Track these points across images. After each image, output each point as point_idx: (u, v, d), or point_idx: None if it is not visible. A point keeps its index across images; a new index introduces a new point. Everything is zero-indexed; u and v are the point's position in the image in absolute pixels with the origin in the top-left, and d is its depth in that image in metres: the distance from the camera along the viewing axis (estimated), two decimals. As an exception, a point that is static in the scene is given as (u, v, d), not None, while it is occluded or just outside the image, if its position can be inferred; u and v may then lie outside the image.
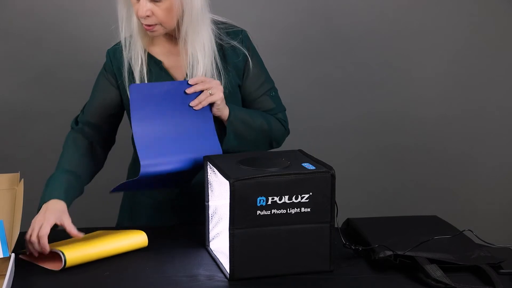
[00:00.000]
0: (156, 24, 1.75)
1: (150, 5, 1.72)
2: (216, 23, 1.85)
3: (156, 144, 1.70)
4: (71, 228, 1.65)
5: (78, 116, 1.92)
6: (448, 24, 2.76)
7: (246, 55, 1.86)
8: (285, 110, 1.96)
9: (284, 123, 1.94)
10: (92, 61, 2.58)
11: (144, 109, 1.69)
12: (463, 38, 2.78)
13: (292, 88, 2.70)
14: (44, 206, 1.67)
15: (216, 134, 1.77)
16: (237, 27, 1.89)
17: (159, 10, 1.73)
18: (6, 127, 2.63)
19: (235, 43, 1.85)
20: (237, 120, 1.80)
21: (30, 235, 1.60)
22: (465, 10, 2.76)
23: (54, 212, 1.65)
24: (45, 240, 1.59)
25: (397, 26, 2.74)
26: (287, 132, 1.96)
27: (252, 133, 1.83)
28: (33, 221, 1.64)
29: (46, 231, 1.60)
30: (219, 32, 1.85)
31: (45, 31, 2.58)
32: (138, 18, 1.76)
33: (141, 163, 1.67)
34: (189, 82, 1.75)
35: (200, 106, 1.74)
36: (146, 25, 1.76)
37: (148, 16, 1.73)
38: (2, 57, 2.58)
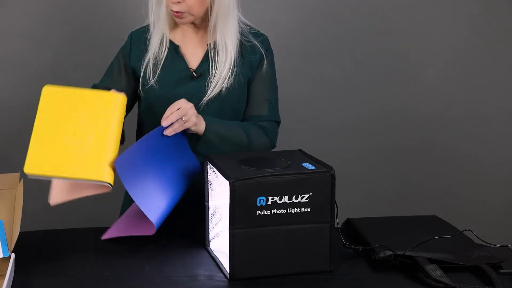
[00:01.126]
0: (184, 12, 1.80)
1: None
2: (242, 22, 1.92)
3: (155, 196, 1.65)
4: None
5: None
6: (448, 24, 2.76)
7: (263, 55, 1.91)
8: (278, 123, 1.96)
9: (270, 134, 1.92)
10: (92, 62, 2.59)
11: (135, 175, 1.62)
12: (463, 38, 2.78)
13: (292, 88, 2.70)
14: None
15: (191, 152, 1.78)
16: (259, 31, 1.95)
17: None
18: (6, 127, 2.63)
19: (255, 42, 1.91)
20: (213, 134, 1.80)
21: None
22: (466, 9, 2.76)
23: None
24: None
25: (398, 26, 2.74)
26: (271, 145, 1.94)
27: (227, 147, 1.83)
28: None
29: None
30: (243, 29, 1.91)
31: (45, 31, 2.58)
32: (168, 4, 1.80)
33: (154, 222, 1.61)
34: (163, 124, 1.70)
35: (173, 133, 1.72)
36: (175, 11, 1.80)
37: (179, 2, 1.78)
38: (2, 57, 2.58)
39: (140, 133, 1.97)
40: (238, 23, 1.90)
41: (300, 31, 2.71)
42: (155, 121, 1.89)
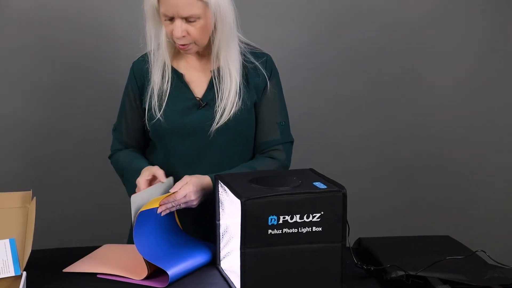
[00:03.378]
0: (190, 43, 1.79)
1: (185, 26, 1.76)
2: (241, 41, 1.89)
3: (168, 253, 1.70)
4: (161, 176, 1.77)
5: (115, 136, 2.00)
6: (457, 42, 2.76)
7: (266, 78, 1.89)
8: (291, 142, 1.96)
9: (282, 159, 1.91)
10: (105, 79, 2.61)
11: (145, 234, 1.69)
12: (472, 55, 2.78)
13: (304, 106, 2.71)
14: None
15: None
16: (261, 50, 1.93)
17: (194, 29, 1.77)
18: (19, 145, 2.64)
19: (258, 63, 1.89)
20: None
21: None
22: (476, 27, 2.75)
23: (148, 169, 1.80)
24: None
25: (408, 43, 2.74)
26: (285, 168, 1.93)
27: None
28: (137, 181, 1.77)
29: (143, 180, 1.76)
30: (245, 50, 1.89)
31: (58, 49, 2.60)
32: (173, 38, 1.79)
33: (169, 273, 1.61)
34: (159, 210, 1.73)
35: (167, 211, 1.72)
36: (180, 44, 1.79)
37: (183, 36, 1.77)
38: (16, 75, 2.60)
39: (151, 153, 1.97)
40: (239, 45, 1.88)
41: (312, 49, 2.71)
42: (166, 149, 1.90)
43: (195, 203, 1.75)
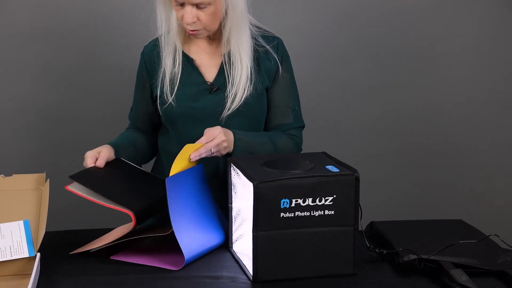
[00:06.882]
0: (200, 29, 1.79)
1: (195, 12, 1.76)
2: (252, 24, 1.88)
3: (192, 233, 1.67)
4: (102, 159, 1.82)
5: (130, 119, 2.03)
6: (472, 27, 2.74)
7: (278, 62, 1.88)
8: (303, 127, 1.96)
9: (297, 139, 1.92)
10: (117, 64, 2.61)
11: (179, 201, 1.65)
12: (487, 41, 2.75)
13: (315, 91, 2.70)
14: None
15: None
16: (272, 33, 1.91)
17: (204, 15, 1.76)
18: (32, 128, 2.65)
19: (269, 47, 1.88)
20: (240, 153, 1.79)
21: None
22: (490, 8, 2.73)
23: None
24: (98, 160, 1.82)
25: (421, 29, 2.72)
26: (298, 150, 1.94)
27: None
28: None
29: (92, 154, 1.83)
30: (256, 34, 1.88)
31: (70, 34, 2.60)
32: (183, 23, 1.79)
33: (186, 257, 1.61)
34: (191, 156, 1.70)
35: (198, 157, 1.70)
36: (190, 30, 1.79)
37: (194, 22, 1.77)
38: (28, 60, 2.61)
39: (164, 137, 1.98)
40: (250, 29, 1.86)
41: (324, 35, 2.70)
42: (178, 134, 1.90)
43: (225, 144, 1.74)
